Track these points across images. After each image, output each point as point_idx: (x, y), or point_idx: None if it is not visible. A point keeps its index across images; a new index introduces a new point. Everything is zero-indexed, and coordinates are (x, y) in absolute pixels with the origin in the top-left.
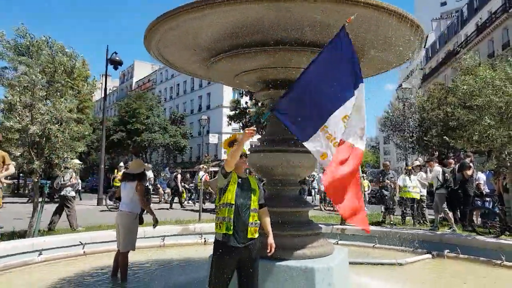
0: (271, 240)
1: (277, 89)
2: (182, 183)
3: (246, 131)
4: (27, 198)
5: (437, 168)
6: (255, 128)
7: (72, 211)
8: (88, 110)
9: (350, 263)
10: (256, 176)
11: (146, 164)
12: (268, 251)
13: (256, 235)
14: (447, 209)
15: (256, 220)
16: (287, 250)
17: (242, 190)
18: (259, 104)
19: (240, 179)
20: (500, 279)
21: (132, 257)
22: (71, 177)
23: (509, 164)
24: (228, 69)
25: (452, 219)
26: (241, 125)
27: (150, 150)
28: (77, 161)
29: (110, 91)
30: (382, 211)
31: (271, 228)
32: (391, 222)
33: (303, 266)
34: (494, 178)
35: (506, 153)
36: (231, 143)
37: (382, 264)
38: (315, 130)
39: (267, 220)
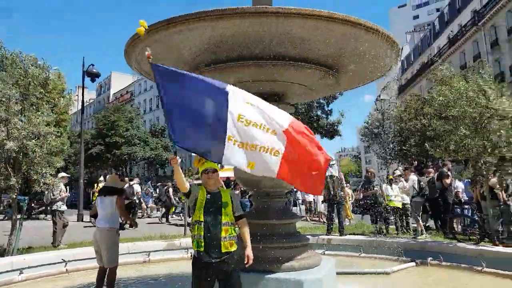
0: (248, 251)
1: None
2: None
3: (170, 159)
4: (3, 215)
5: (413, 177)
6: (176, 158)
7: (59, 226)
8: (65, 123)
9: (337, 273)
10: (241, 189)
11: (126, 179)
12: (246, 262)
13: (233, 249)
14: (419, 217)
15: (231, 234)
16: (276, 263)
17: (211, 206)
18: None
19: (209, 195)
20: (481, 285)
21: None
22: (60, 191)
23: (485, 172)
24: None
25: (422, 227)
26: None
27: (130, 164)
28: (63, 173)
29: (87, 103)
30: (376, 221)
31: (251, 240)
32: (387, 231)
33: (292, 278)
34: (472, 186)
35: (482, 162)
36: (200, 159)
37: (369, 273)
38: (223, 145)
39: (245, 232)
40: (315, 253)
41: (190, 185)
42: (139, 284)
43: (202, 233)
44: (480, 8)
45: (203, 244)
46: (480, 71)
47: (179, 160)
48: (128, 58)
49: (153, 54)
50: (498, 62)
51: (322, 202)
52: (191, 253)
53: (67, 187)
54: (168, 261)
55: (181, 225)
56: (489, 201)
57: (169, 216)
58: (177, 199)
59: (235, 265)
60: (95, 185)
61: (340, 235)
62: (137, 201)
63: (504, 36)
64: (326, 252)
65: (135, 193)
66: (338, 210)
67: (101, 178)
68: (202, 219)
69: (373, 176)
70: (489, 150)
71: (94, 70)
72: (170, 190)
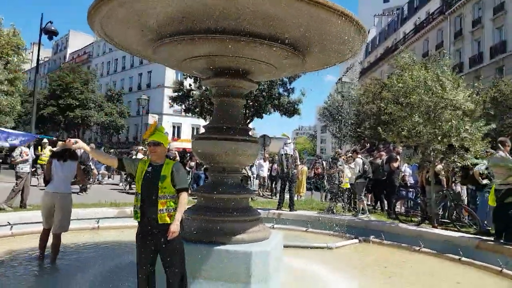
0: (172, 226)
1: (226, 78)
2: None
3: (66, 141)
4: None
5: (358, 160)
6: (73, 140)
7: (16, 188)
8: (18, 81)
9: (284, 246)
10: (196, 162)
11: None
12: (168, 235)
13: (170, 220)
14: (363, 197)
15: (168, 206)
16: (227, 235)
17: (149, 179)
18: (203, 87)
19: (150, 167)
20: (417, 263)
21: (64, 239)
22: (21, 152)
23: (432, 159)
24: (176, 54)
25: (365, 206)
26: (184, 107)
27: (83, 128)
28: None
29: (42, 61)
30: (330, 199)
31: (206, 212)
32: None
33: (241, 250)
34: (419, 171)
35: (431, 149)
36: (152, 133)
37: (313, 247)
38: None
39: (180, 205)
40: (264, 227)
41: (123, 158)
42: (87, 249)
43: (139, 204)
44: None
45: (139, 215)
46: (440, 61)
47: (77, 143)
48: (91, 21)
49: (118, 18)
50: (460, 53)
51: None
52: None
53: (30, 148)
54: (118, 228)
55: (133, 193)
56: (433, 186)
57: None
58: None
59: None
60: (39, 147)
61: (289, 210)
62: (92, 167)
63: (469, 28)
64: (275, 226)
65: (90, 158)
66: (290, 186)
67: (45, 140)
68: (139, 191)
69: (339, 157)
70: (439, 138)
71: (52, 28)
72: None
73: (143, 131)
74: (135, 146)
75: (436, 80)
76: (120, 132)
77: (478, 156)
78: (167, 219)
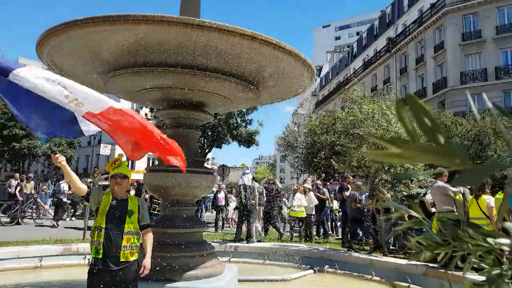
0: (145, 261)
1: (180, 109)
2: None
3: (52, 159)
4: None
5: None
6: (57, 155)
7: None
8: None
9: (240, 280)
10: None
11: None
12: (140, 272)
13: (133, 258)
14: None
15: (133, 243)
16: (179, 272)
17: (115, 213)
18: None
19: (114, 201)
20: None
21: (4, 278)
22: None
23: (381, 188)
24: (130, 85)
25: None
26: None
27: (29, 159)
28: None
29: None
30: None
31: (157, 248)
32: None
33: (193, 287)
34: (369, 200)
35: (379, 178)
36: (113, 163)
37: (269, 280)
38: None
39: (147, 241)
40: (218, 261)
41: (90, 188)
42: None
43: (102, 240)
44: (394, 36)
45: (101, 251)
46: (386, 96)
47: (61, 157)
48: (40, 52)
49: (67, 50)
50: (405, 88)
51: (234, 209)
52: (89, 259)
53: None
54: (63, 267)
55: (80, 228)
56: (382, 214)
57: (67, 218)
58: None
59: (134, 274)
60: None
61: (247, 243)
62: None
63: (413, 65)
64: (232, 259)
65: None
66: (247, 218)
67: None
68: (103, 226)
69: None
70: (385, 169)
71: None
72: (64, 186)
73: (95, 163)
74: (85, 178)
75: (382, 114)
76: (70, 163)
77: (422, 185)
78: (129, 256)
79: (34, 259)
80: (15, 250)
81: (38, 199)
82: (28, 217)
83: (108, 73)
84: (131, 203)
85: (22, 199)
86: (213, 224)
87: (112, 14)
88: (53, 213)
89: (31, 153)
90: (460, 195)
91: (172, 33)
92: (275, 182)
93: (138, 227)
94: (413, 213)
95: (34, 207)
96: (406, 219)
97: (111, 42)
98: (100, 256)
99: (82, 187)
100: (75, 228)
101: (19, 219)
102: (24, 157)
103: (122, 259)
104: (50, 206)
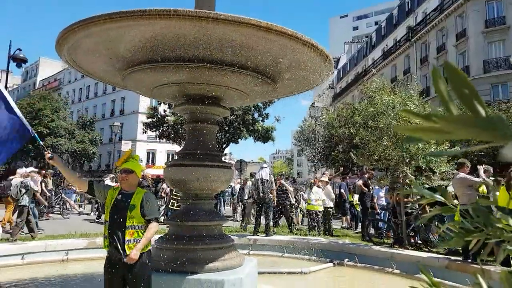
0: (132, 252)
1: (197, 104)
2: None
3: (46, 158)
4: None
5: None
6: (50, 154)
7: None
8: None
9: (259, 273)
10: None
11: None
12: (125, 260)
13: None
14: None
15: (136, 237)
16: (200, 264)
17: (118, 207)
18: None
19: (120, 195)
20: (389, 286)
21: (32, 271)
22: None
23: (401, 181)
24: (147, 81)
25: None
26: (158, 133)
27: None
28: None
29: (11, 89)
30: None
31: (179, 241)
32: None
33: (213, 279)
34: (389, 193)
35: (400, 171)
36: (126, 160)
37: (288, 273)
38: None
39: (147, 233)
40: (238, 254)
41: (94, 183)
42: (56, 282)
43: (107, 233)
44: (414, 25)
45: (108, 243)
46: (408, 86)
47: (50, 156)
48: (59, 50)
49: (86, 47)
50: (426, 78)
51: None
52: None
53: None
54: (88, 260)
55: (102, 223)
56: (403, 207)
57: (92, 213)
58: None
59: (143, 266)
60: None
61: (265, 236)
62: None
63: (434, 54)
64: (251, 252)
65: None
66: (266, 211)
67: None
68: (107, 219)
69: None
70: (406, 161)
71: (21, 55)
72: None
73: (116, 159)
74: (108, 174)
75: (403, 104)
76: (92, 160)
77: (445, 177)
78: None
79: (60, 252)
80: (43, 244)
81: (63, 195)
82: (56, 212)
83: (126, 69)
84: (135, 197)
85: (49, 194)
86: (233, 218)
87: (128, 10)
88: (78, 208)
89: (55, 150)
90: (484, 186)
91: (187, 27)
92: (282, 183)
93: (142, 221)
94: (442, 199)
95: (60, 202)
96: (428, 211)
97: (128, 38)
98: (107, 248)
99: (82, 184)
100: (99, 223)
101: (47, 214)
102: None
103: (128, 252)
104: (74, 201)
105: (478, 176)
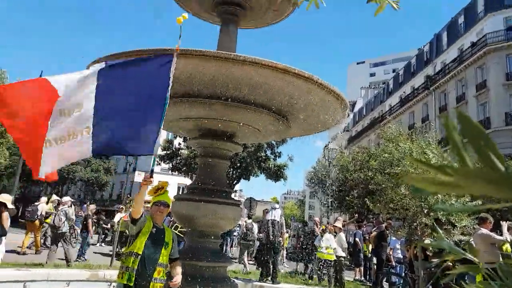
0: (178, 277)
1: (211, 139)
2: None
3: (142, 180)
4: None
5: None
6: (151, 177)
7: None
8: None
9: None
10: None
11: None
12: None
13: None
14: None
15: (162, 276)
16: None
17: (153, 241)
18: (192, 147)
19: (154, 229)
20: None
21: None
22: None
23: (419, 233)
24: (166, 114)
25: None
26: (171, 166)
27: (68, 183)
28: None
29: None
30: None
31: (183, 280)
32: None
33: None
34: (406, 246)
35: (418, 222)
36: (157, 190)
37: None
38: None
39: (178, 270)
40: None
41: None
42: None
43: (136, 267)
44: (433, 74)
45: (133, 278)
46: (426, 134)
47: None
48: None
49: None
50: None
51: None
52: (113, 286)
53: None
54: None
55: (109, 255)
56: (421, 262)
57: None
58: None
59: None
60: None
61: (272, 283)
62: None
63: (453, 103)
64: None
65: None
66: (275, 255)
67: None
68: (140, 252)
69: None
70: (425, 211)
71: None
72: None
73: (129, 189)
74: (117, 204)
75: (421, 153)
76: (105, 189)
77: (465, 232)
78: None
79: (62, 282)
80: (45, 273)
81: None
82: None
83: None
84: (167, 235)
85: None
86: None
87: (148, 49)
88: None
89: (70, 178)
90: (508, 245)
91: (208, 66)
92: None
93: (168, 260)
94: (471, 257)
95: (71, 230)
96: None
97: None
98: (131, 284)
99: (142, 210)
100: (102, 254)
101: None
102: (63, 180)
103: None
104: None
105: (501, 232)
